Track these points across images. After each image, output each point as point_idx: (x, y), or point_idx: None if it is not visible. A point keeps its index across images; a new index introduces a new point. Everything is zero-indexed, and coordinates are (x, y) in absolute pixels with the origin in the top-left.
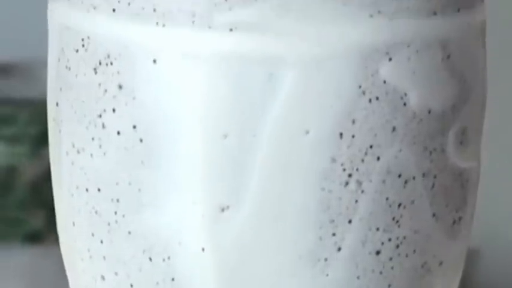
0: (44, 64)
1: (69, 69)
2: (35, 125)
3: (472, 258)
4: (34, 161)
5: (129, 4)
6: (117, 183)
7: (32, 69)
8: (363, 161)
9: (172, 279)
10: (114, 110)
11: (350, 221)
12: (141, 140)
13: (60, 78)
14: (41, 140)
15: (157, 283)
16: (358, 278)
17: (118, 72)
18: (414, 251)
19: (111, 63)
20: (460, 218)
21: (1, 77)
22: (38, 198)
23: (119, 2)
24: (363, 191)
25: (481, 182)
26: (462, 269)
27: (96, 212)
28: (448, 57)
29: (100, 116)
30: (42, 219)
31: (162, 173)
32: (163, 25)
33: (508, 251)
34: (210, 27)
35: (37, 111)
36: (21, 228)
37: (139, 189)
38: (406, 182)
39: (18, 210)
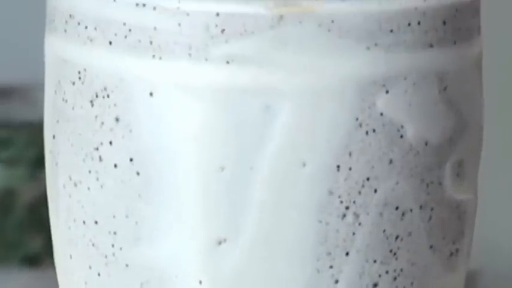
0: (42, 87)
1: (66, 101)
2: (33, 147)
3: (473, 278)
4: (32, 184)
5: (125, 37)
6: (114, 216)
7: (31, 92)
8: (360, 193)
9: None
10: (111, 143)
11: (347, 253)
12: (138, 173)
13: (56, 110)
14: (39, 162)
15: None
16: None
17: (115, 105)
18: (411, 283)
19: (108, 96)
20: (457, 250)
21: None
22: (36, 221)
23: (115, 34)
24: (360, 224)
25: (481, 202)
26: None
27: (93, 245)
28: (445, 89)
29: (97, 148)
30: (40, 242)
31: (159, 206)
32: (160, 58)
33: (510, 271)
34: (206, 60)
35: (35, 133)
36: (19, 251)
37: (136, 222)
38: (403, 214)
39: (16, 233)
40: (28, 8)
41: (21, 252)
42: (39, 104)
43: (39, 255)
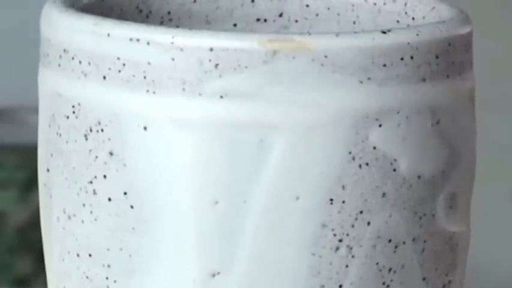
0: (31, 110)
1: (60, 135)
2: (22, 170)
3: None
4: (22, 206)
5: (119, 71)
6: (108, 249)
7: (19, 115)
8: (353, 226)
9: None
10: (105, 177)
11: (341, 286)
12: (132, 207)
13: (50, 144)
14: (28, 185)
15: None
16: None
17: (109, 139)
18: None
19: (102, 130)
20: (450, 282)
21: None
22: (25, 243)
23: (109, 69)
24: (353, 256)
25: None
26: None
27: (87, 277)
28: (438, 123)
29: (91, 182)
30: (30, 264)
31: (153, 239)
32: (154, 92)
33: None
34: (200, 94)
35: (24, 156)
36: (9, 273)
37: (130, 255)
38: (396, 246)
39: (6, 255)
40: (17, 33)
41: (11, 274)
42: (28, 126)
43: (29, 276)
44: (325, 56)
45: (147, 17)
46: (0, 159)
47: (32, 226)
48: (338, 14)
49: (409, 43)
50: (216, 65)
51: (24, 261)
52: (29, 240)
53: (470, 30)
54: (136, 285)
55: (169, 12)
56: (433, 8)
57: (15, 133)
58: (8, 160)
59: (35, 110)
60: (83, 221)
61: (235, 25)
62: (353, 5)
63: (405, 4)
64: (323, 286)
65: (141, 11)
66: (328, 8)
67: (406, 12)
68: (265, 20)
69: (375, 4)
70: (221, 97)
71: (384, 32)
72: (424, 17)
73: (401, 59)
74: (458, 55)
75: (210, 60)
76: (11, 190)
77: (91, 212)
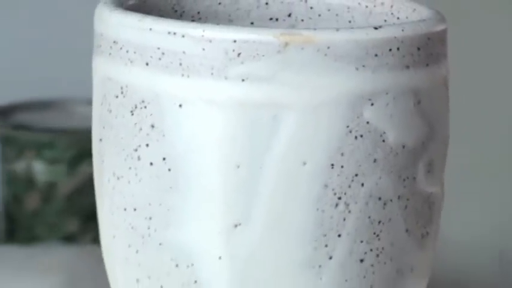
0: (77, 101)
1: (110, 111)
2: (70, 149)
3: None
4: (70, 178)
5: (159, 59)
6: (149, 204)
7: (68, 105)
8: (350, 186)
9: (195, 282)
10: (147, 145)
11: (339, 235)
12: (169, 170)
13: (102, 119)
14: (75, 161)
15: (182, 284)
16: (346, 281)
17: (151, 115)
18: (391, 259)
19: (145, 107)
20: (427, 233)
21: (43, 110)
22: (72, 207)
23: (151, 57)
24: (349, 211)
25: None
26: (429, 274)
27: (132, 227)
28: (419, 103)
29: (136, 150)
30: (76, 225)
31: (186, 196)
32: (188, 76)
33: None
34: (226, 78)
35: (72, 138)
36: (59, 232)
37: (168, 209)
38: (385, 204)
39: (57, 217)
40: (68, 37)
41: (60, 232)
42: (75, 115)
43: (75, 235)
44: (328, 48)
45: (181, 15)
46: (53, 140)
47: (78, 194)
48: (336, 15)
49: (395, 37)
50: (239, 54)
51: (71, 222)
52: (75, 205)
53: (445, 27)
54: (171, 234)
55: (198, 12)
56: (415, 9)
57: (65, 120)
58: (59, 142)
59: (81, 102)
60: (129, 182)
61: (252, 23)
62: (349, 8)
63: (391, 6)
64: (325, 235)
65: (175, 11)
66: (329, 10)
67: (392, 13)
68: (276, 19)
69: (366, 7)
70: (243, 80)
71: (375, 28)
72: (407, 17)
73: (390, 50)
74: (436, 48)
75: (233, 50)
76: (61, 165)
77: (136, 174)
